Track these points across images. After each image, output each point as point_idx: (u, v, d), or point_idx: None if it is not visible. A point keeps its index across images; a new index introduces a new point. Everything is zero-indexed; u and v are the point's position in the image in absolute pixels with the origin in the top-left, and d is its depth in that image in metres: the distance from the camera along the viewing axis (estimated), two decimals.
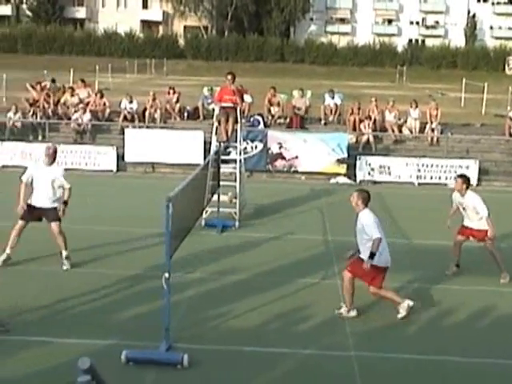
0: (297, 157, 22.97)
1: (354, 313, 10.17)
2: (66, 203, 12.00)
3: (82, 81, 26.92)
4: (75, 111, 24.78)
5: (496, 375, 8.57)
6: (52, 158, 12.09)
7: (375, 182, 22.34)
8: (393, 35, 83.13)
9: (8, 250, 12.19)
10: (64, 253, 12.17)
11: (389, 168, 22.75)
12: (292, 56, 72.79)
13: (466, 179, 12.36)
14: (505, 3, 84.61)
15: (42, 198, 12.00)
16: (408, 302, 10.15)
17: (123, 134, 23.71)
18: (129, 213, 16.66)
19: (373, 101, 25.15)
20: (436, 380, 8.42)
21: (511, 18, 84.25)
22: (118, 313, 10.01)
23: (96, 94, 25.95)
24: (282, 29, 78.87)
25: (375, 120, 24.55)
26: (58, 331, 9.22)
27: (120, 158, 23.24)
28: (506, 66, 69.25)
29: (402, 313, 10.11)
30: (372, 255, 9.67)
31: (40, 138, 24.41)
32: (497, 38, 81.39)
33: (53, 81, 27.63)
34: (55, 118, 24.98)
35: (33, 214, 12.05)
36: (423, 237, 15.15)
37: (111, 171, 22.97)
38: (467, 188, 12.26)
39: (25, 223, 12.15)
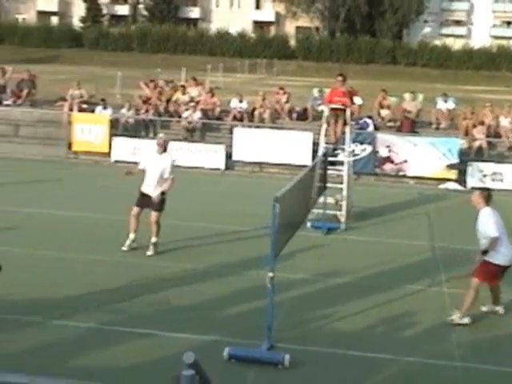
0: (406, 161, 22.63)
1: (467, 320, 9.90)
2: (163, 193, 12.28)
3: (194, 79, 27.29)
4: (186, 109, 25.16)
5: None
6: (163, 147, 12.55)
7: None
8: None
9: (131, 235, 12.72)
10: (153, 239, 12.56)
11: (501, 175, 22.12)
12: (404, 58, 71.68)
13: None
14: None
15: (151, 186, 12.41)
16: (467, 320, 9.91)
17: (232, 132, 23.93)
18: (235, 211, 16.78)
19: (487, 106, 24.53)
20: None
21: None
22: (220, 310, 10.09)
23: (207, 93, 26.28)
24: (394, 31, 77.80)
25: (489, 125, 23.90)
26: (162, 325, 9.37)
27: (228, 156, 23.47)
28: None
29: (455, 319, 9.89)
30: (485, 252, 9.78)
31: (151, 134, 24.90)
32: None
33: (171, 81, 28.11)
34: (166, 115, 25.42)
35: (144, 200, 12.41)
36: None
37: (219, 169, 23.21)
38: None
39: (139, 209, 12.59)
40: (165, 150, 12.57)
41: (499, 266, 9.89)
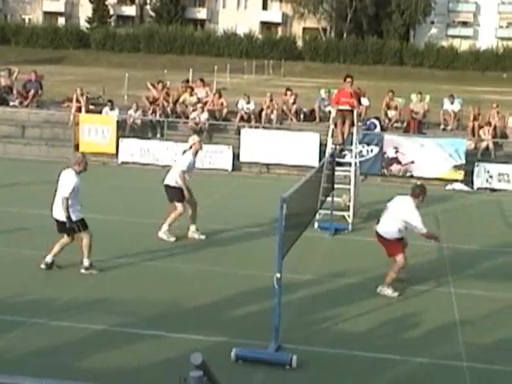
0: (413, 162, 22.61)
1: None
2: None
3: (201, 80, 27.30)
4: (193, 110, 25.17)
5: None
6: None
7: (493, 190, 21.74)
8: None
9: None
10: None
11: (508, 176, 22.07)
12: (411, 59, 71.61)
13: None
14: None
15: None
16: (395, 294, 11.03)
17: (239, 133, 23.94)
18: (242, 212, 16.80)
19: (494, 106, 24.48)
20: None
21: None
22: (228, 311, 10.10)
23: (214, 94, 26.29)
24: (401, 32, 77.75)
25: (496, 126, 23.85)
26: (169, 326, 9.41)
27: (236, 157, 23.47)
28: None
29: (383, 290, 11.10)
30: None
31: (158, 135, 24.93)
32: None
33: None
34: (174, 116, 25.43)
35: None
36: None
37: (226, 170, 23.22)
38: None
39: None
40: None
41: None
